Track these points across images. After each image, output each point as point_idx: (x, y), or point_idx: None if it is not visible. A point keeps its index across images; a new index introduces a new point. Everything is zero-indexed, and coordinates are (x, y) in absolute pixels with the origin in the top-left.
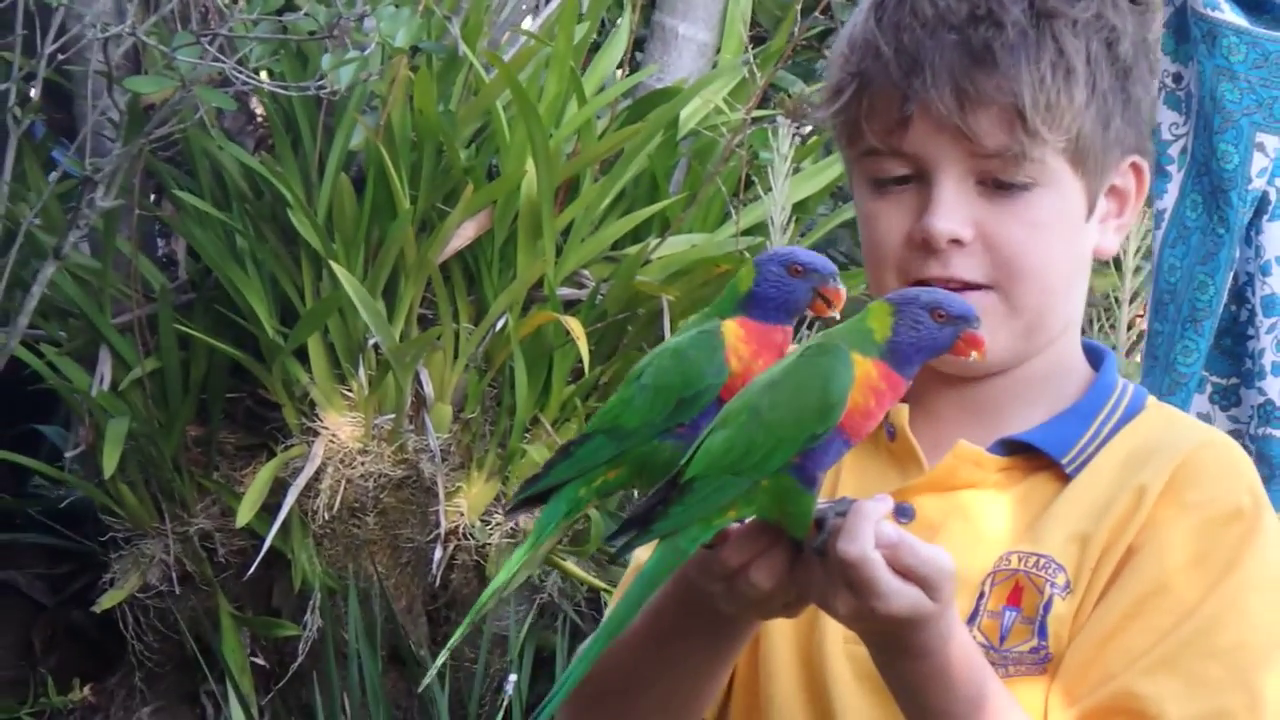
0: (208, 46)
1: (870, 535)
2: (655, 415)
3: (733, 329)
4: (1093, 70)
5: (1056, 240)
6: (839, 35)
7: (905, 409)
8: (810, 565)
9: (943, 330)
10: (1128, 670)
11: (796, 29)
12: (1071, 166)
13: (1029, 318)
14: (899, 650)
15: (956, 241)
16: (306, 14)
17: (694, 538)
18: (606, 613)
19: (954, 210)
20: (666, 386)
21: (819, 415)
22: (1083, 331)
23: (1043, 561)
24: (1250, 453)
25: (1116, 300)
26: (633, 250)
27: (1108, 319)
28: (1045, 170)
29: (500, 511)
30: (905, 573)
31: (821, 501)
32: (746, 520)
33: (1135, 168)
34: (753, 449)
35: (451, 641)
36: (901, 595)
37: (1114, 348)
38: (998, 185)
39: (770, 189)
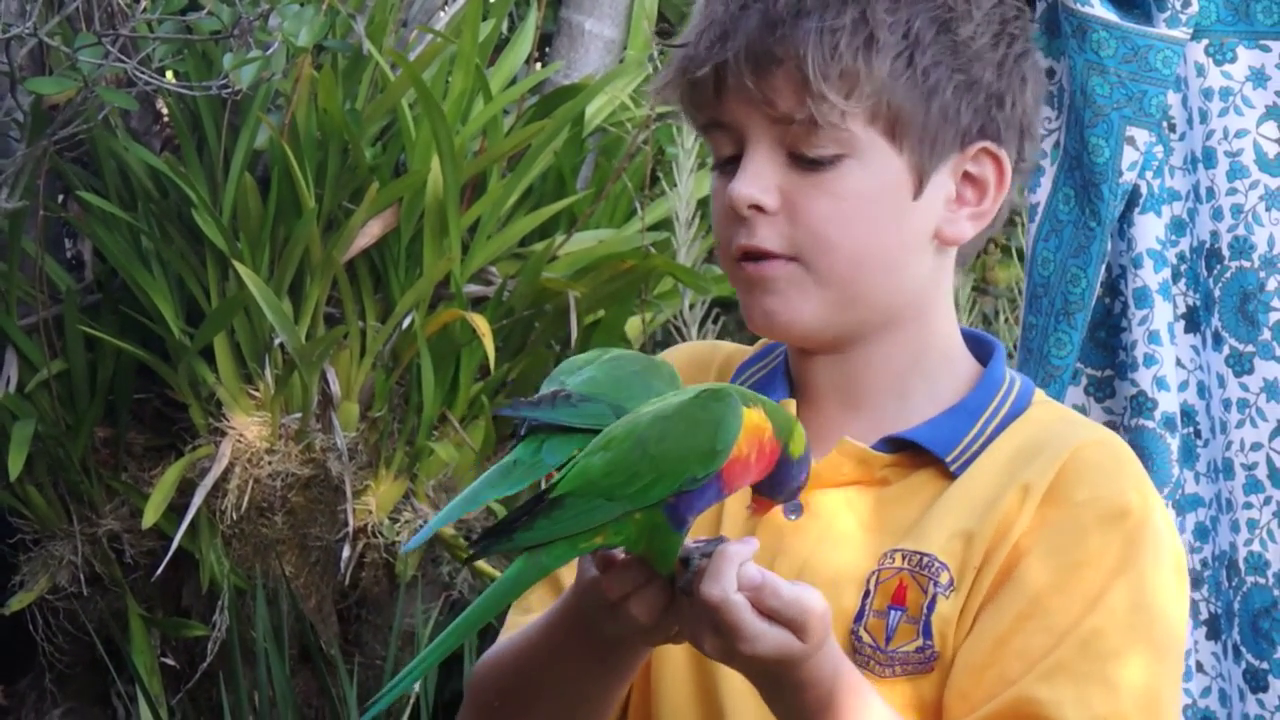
0: (110, 47)
1: (732, 577)
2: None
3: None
4: (910, 44)
5: (866, 213)
6: None
7: (793, 403)
8: (684, 603)
9: (781, 492)
10: (1026, 675)
11: None
12: (888, 139)
13: (841, 290)
14: (777, 685)
15: (760, 209)
16: (210, 13)
17: (558, 556)
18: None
19: (756, 177)
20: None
21: (703, 459)
22: (987, 324)
23: (926, 560)
24: None
25: (1021, 292)
26: (539, 246)
27: (1012, 311)
28: (854, 140)
29: (410, 509)
30: (770, 615)
31: (692, 541)
32: (616, 550)
33: (992, 156)
34: (634, 477)
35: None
36: (766, 637)
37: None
38: (805, 159)
39: (676, 184)
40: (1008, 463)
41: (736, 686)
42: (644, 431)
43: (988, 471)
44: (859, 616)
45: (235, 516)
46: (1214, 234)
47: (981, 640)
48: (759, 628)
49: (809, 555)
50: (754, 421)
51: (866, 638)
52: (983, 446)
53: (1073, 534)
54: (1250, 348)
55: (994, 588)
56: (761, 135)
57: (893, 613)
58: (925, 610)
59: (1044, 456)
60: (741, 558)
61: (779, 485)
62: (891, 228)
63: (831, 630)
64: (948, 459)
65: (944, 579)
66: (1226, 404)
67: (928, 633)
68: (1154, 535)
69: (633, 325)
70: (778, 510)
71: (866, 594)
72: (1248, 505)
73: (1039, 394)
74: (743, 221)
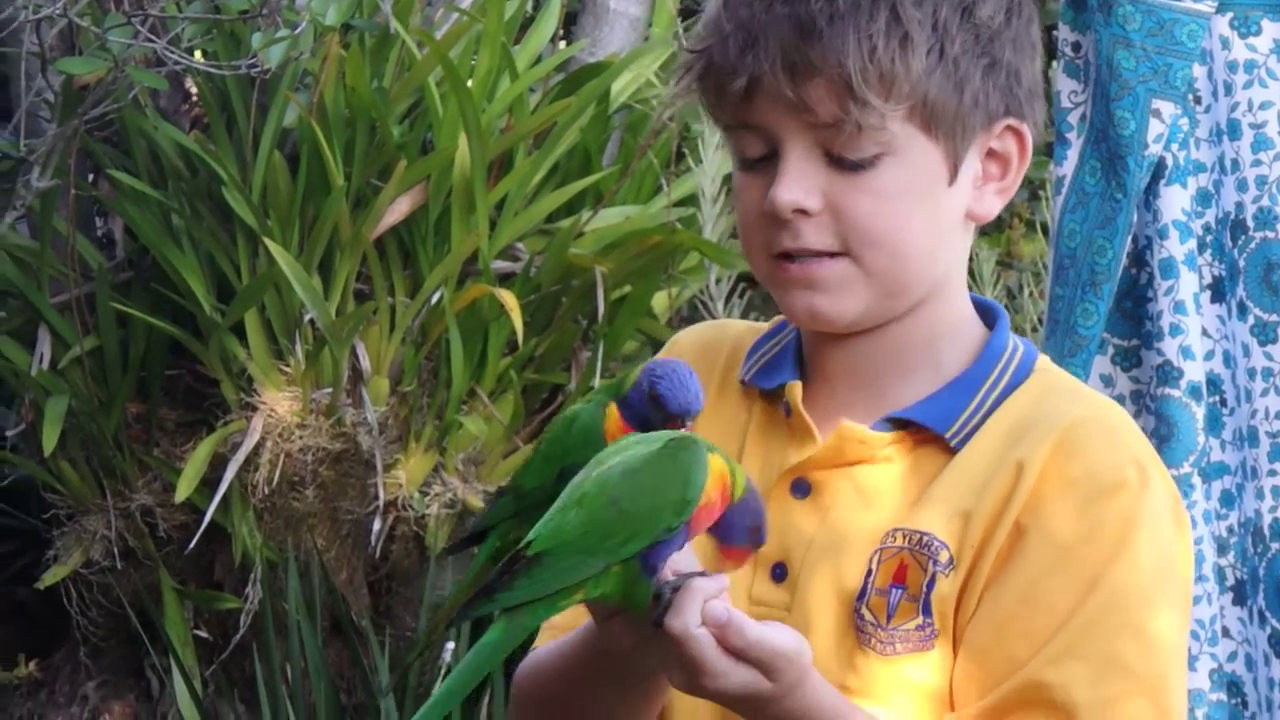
0: (139, 27)
1: (695, 612)
2: (545, 480)
3: (613, 416)
4: (940, 36)
5: (909, 207)
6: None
7: (799, 386)
8: (659, 635)
9: (737, 536)
10: (1034, 659)
11: None
12: (924, 132)
13: (887, 283)
14: (755, 717)
15: (803, 212)
16: None
17: (538, 616)
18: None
19: (798, 181)
20: (553, 455)
21: (675, 510)
22: (1011, 297)
23: (925, 539)
24: (1150, 412)
25: (1045, 266)
26: (566, 223)
27: (1037, 285)
28: (892, 139)
29: (439, 483)
30: (736, 653)
31: (669, 577)
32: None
33: (1014, 131)
34: (610, 534)
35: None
36: (731, 675)
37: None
38: (846, 161)
39: (701, 161)
40: (1004, 438)
41: None
42: (615, 489)
43: (986, 447)
44: (861, 594)
45: (267, 490)
46: (1239, 205)
47: (985, 623)
48: (722, 664)
49: (814, 535)
50: (717, 468)
51: (869, 615)
52: (982, 420)
53: (1069, 513)
54: (1274, 317)
55: (995, 569)
56: (797, 138)
57: (894, 591)
58: (925, 589)
59: (1036, 432)
60: (707, 593)
61: (733, 529)
62: (931, 217)
63: (813, 669)
64: (947, 435)
65: (943, 558)
66: (1251, 373)
67: (927, 611)
68: (1150, 501)
69: (659, 300)
70: (786, 494)
71: (869, 572)
72: (1272, 472)
73: (1042, 361)
74: (784, 225)
